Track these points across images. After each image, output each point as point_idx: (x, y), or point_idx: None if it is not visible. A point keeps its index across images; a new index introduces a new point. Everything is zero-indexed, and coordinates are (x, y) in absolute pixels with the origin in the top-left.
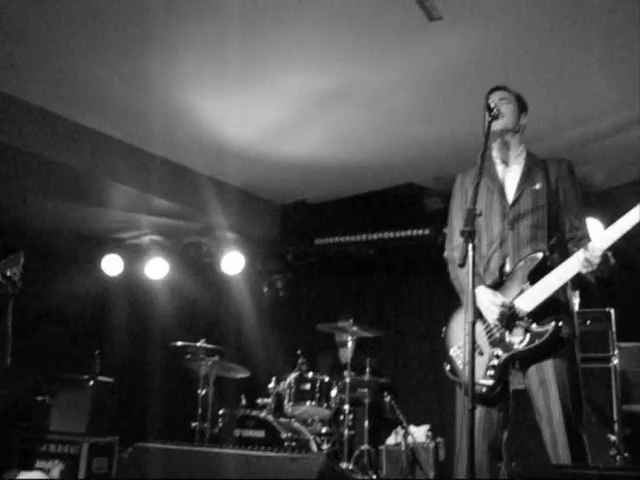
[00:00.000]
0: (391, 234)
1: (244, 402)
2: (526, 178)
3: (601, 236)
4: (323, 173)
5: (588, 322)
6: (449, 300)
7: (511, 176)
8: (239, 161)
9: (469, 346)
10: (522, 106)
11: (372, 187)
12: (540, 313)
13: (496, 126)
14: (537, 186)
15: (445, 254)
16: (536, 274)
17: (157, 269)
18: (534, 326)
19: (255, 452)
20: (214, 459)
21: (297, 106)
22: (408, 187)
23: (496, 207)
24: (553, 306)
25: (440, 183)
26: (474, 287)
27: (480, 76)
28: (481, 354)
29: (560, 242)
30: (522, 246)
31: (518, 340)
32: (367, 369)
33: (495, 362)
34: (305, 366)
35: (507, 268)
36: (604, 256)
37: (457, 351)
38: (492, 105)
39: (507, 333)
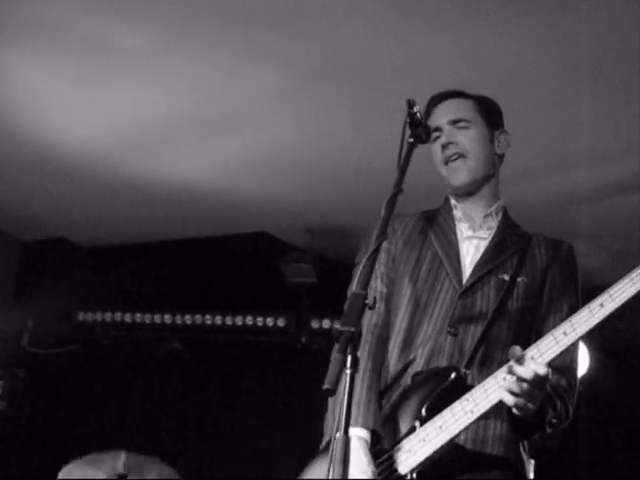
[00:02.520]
0: (215, 318)
1: None
2: (492, 256)
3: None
4: (115, 194)
5: None
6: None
7: (474, 250)
8: None
9: None
10: (491, 121)
11: (189, 231)
12: None
13: (455, 179)
14: (507, 276)
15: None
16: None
17: None
18: None
19: None
20: None
21: None
22: (257, 238)
23: (441, 291)
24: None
25: (317, 240)
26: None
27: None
28: None
29: None
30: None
31: None
32: None
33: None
34: None
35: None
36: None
37: None
38: (440, 139)
39: None
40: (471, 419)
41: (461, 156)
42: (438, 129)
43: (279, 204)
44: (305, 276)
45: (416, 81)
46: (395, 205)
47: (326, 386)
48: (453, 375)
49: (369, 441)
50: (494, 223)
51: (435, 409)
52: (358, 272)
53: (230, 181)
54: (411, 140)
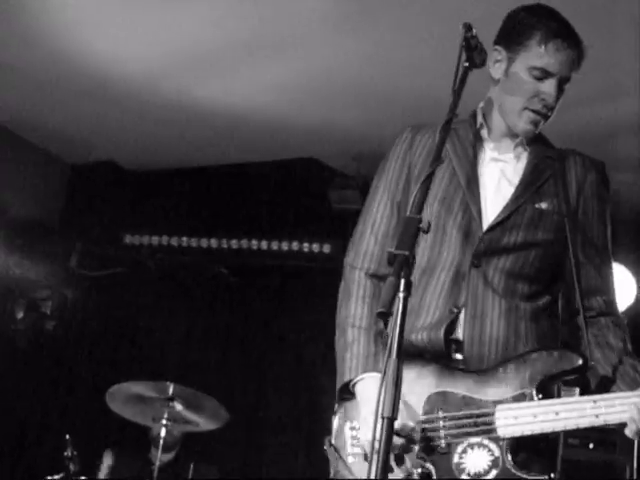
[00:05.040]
0: (261, 243)
1: None
2: (528, 185)
3: None
4: (162, 118)
5: None
6: None
7: (499, 174)
8: (11, 76)
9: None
10: None
11: (239, 156)
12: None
13: (525, 130)
14: (544, 204)
15: (347, 259)
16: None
17: None
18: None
19: None
20: None
21: None
22: (305, 164)
23: (459, 219)
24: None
25: (365, 167)
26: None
27: None
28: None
29: (569, 313)
30: (491, 305)
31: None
32: None
33: None
34: (75, 465)
35: (463, 337)
36: None
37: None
38: (543, 86)
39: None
40: (594, 423)
41: (545, 118)
42: (546, 72)
43: (328, 130)
44: (352, 203)
45: (473, 3)
46: (450, 129)
47: (380, 309)
48: (580, 362)
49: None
50: (523, 148)
51: (550, 388)
52: (412, 196)
53: (280, 107)
54: (466, 64)
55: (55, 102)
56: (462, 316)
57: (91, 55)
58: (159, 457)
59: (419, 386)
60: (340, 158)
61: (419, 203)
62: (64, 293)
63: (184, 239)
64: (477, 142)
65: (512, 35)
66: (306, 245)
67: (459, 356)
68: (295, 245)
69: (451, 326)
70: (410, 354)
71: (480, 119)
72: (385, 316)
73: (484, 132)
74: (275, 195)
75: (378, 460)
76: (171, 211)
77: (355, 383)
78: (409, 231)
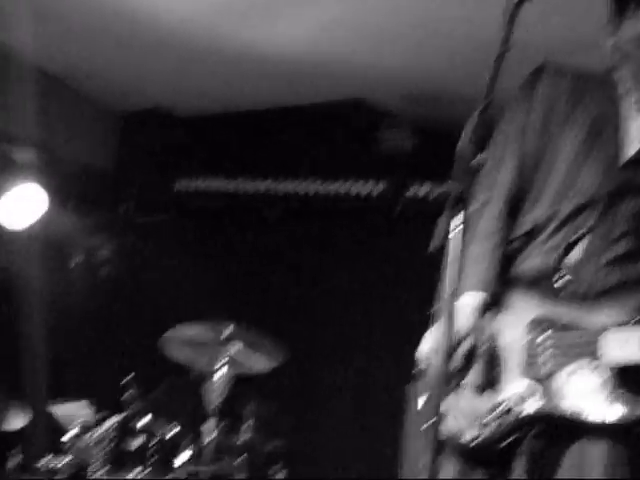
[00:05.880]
0: (314, 185)
1: (16, 462)
2: None
3: None
4: (209, 63)
5: None
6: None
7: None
8: (61, 26)
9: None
10: None
11: (286, 99)
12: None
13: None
14: None
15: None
16: None
17: None
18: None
19: None
20: None
21: None
22: (354, 106)
23: (595, 153)
24: None
25: (414, 107)
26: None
27: None
28: (495, 382)
29: None
30: (611, 240)
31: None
32: (247, 423)
33: (517, 407)
34: (137, 405)
35: (576, 264)
36: None
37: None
38: None
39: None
40: None
41: None
42: None
43: (376, 70)
44: (402, 143)
45: None
46: (502, 64)
47: (433, 246)
48: None
49: (480, 305)
50: None
51: None
52: (466, 131)
53: (327, 47)
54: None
55: (105, 51)
56: (580, 245)
57: (140, 1)
58: (215, 396)
59: (524, 311)
60: (389, 99)
61: (474, 138)
62: (118, 240)
63: (234, 183)
64: (617, 98)
65: None
66: (356, 187)
67: (567, 282)
68: (344, 187)
69: (565, 254)
70: (519, 279)
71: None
72: (438, 253)
73: (621, 87)
74: (323, 137)
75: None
76: (220, 156)
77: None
78: (463, 167)
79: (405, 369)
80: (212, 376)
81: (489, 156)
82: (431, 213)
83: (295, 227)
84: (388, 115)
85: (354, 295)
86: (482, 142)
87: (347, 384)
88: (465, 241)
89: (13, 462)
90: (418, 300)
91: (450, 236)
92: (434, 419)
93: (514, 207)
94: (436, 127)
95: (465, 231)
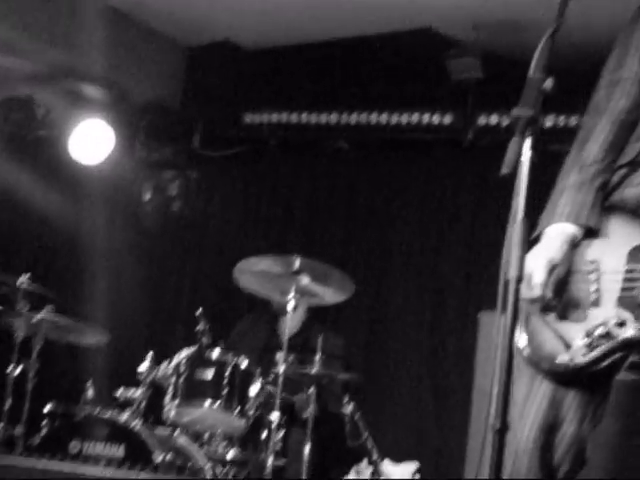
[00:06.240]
0: (380, 117)
1: (92, 393)
2: None
3: None
4: None
5: None
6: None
7: None
8: None
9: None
10: None
11: (355, 30)
12: None
13: None
14: None
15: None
16: None
17: None
18: None
19: (109, 473)
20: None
21: None
22: (422, 35)
23: None
24: None
25: (484, 35)
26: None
27: None
28: (595, 305)
29: None
30: None
31: None
32: (318, 355)
33: (615, 331)
34: (208, 338)
35: None
36: None
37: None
38: None
39: None
40: None
41: None
42: None
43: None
44: (471, 72)
45: None
46: None
47: (504, 170)
48: None
49: (574, 234)
50: None
51: None
52: (535, 55)
53: None
54: None
55: None
56: None
57: None
58: (286, 328)
59: (625, 238)
60: (458, 27)
61: (542, 62)
62: (188, 174)
63: (304, 115)
64: None
65: None
66: (426, 117)
67: None
68: (415, 117)
69: None
70: (618, 208)
71: None
72: (509, 177)
73: None
74: (393, 67)
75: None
76: (290, 88)
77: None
78: (533, 90)
79: (476, 295)
80: (283, 308)
81: (601, 80)
82: (501, 142)
83: (364, 159)
84: (457, 44)
85: (425, 225)
86: (551, 67)
87: (418, 314)
88: (567, 167)
89: (88, 393)
90: (489, 227)
91: (521, 160)
92: (509, 344)
93: (625, 134)
94: (505, 55)
95: (569, 157)
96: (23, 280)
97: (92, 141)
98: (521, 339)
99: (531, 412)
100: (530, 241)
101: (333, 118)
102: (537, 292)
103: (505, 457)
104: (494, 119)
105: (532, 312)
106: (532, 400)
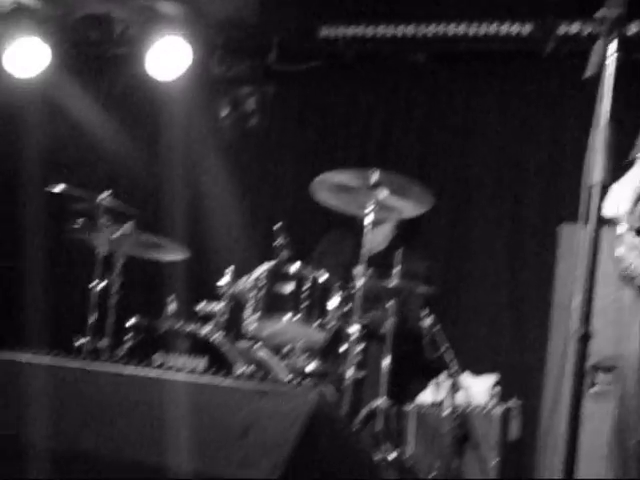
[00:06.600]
0: (458, 28)
1: (174, 307)
2: None
3: None
4: None
5: None
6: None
7: None
8: None
9: None
10: None
11: None
12: None
13: None
14: None
15: None
16: None
17: (25, 60)
18: None
19: (194, 378)
20: (124, 384)
21: None
22: None
23: None
24: None
25: None
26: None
27: None
28: None
29: None
30: None
31: None
32: (396, 268)
33: None
34: (287, 252)
35: None
36: None
37: None
38: None
39: None
40: None
41: None
42: None
43: None
44: None
45: None
46: None
47: (588, 73)
48: None
49: None
50: None
51: None
52: None
53: None
54: None
55: None
56: None
57: None
58: (368, 243)
59: None
60: None
61: None
62: (265, 89)
63: (380, 28)
64: None
65: None
66: (505, 27)
67: None
68: (493, 27)
69: None
70: None
71: None
72: (592, 79)
73: None
74: None
75: None
76: (365, 0)
77: None
78: None
79: (556, 208)
80: (362, 222)
81: None
82: (583, 52)
83: (442, 72)
84: None
85: (503, 138)
86: None
87: (497, 227)
88: None
89: (170, 308)
90: (568, 140)
91: (605, 63)
92: (592, 253)
93: None
94: None
95: None
96: (104, 197)
97: (169, 58)
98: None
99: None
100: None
101: (410, 30)
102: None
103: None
104: (575, 28)
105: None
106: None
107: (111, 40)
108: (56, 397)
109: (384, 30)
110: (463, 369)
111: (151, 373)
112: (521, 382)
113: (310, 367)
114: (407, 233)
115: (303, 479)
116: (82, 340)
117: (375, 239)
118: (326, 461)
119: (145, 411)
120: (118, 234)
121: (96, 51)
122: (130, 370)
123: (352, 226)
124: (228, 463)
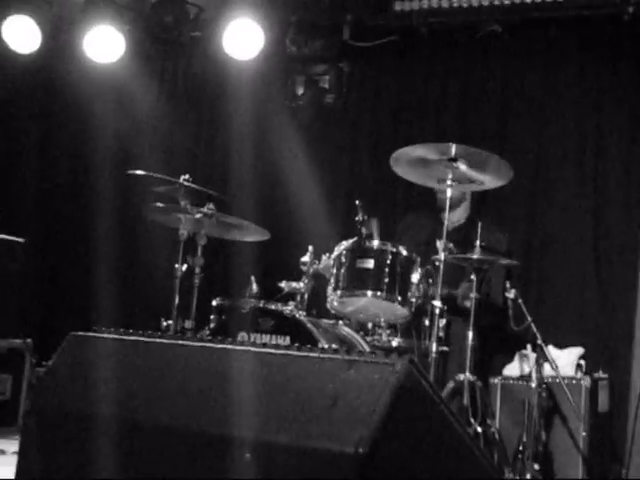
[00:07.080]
0: None
1: (256, 287)
2: None
3: None
4: None
5: None
6: None
7: None
8: None
9: None
10: None
11: None
12: None
13: None
14: None
15: None
16: None
17: (104, 46)
18: None
19: (281, 350)
20: (202, 357)
21: None
22: None
23: None
24: None
25: None
26: None
27: None
28: None
29: None
30: None
31: None
32: (478, 241)
33: None
34: (368, 228)
35: None
36: None
37: None
38: None
39: None
40: None
41: None
42: None
43: None
44: None
45: None
46: None
47: None
48: None
49: None
50: None
51: None
52: None
53: None
54: None
55: None
56: None
57: None
58: (447, 218)
59: None
60: None
61: None
62: (340, 66)
63: (452, 1)
64: None
65: None
66: None
67: None
68: None
69: None
70: None
71: None
72: None
73: None
74: None
75: None
76: None
77: None
78: None
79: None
80: (441, 195)
81: None
82: None
83: (518, 41)
84: None
85: (583, 107)
86: None
87: (580, 201)
88: None
89: (253, 287)
90: None
91: None
92: None
93: None
94: None
95: None
96: (184, 179)
97: (244, 39)
98: None
99: None
100: None
101: (485, 0)
102: None
103: None
104: None
105: None
106: None
107: (186, 23)
108: (149, 373)
109: (458, 1)
110: (548, 341)
111: (239, 346)
112: (608, 356)
113: (394, 342)
114: (486, 206)
115: (392, 450)
116: (166, 322)
117: (455, 213)
118: (415, 432)
119: (233, 384)
120: (199, 216)
121: (171, 35)
122: (219, 344)
123: (430, 203)
124: (318, 435)
